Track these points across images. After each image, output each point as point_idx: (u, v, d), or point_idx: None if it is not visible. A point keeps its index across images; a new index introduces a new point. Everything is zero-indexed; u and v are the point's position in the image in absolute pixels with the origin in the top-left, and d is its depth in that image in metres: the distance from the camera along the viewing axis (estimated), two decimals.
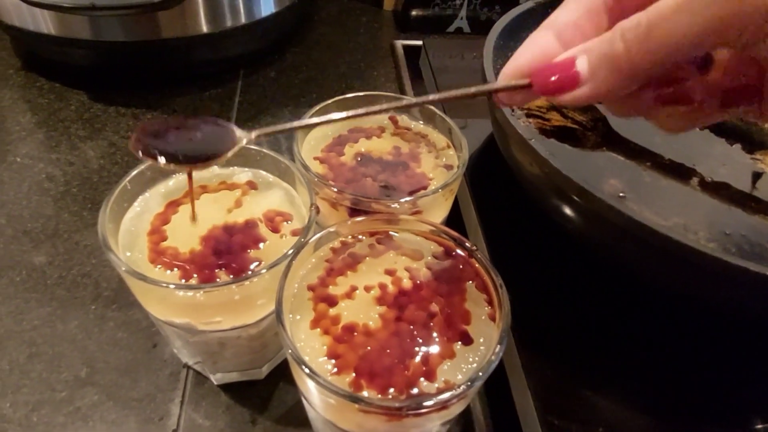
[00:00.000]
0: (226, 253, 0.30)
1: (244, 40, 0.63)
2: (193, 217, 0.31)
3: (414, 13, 0.75)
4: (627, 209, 0.30)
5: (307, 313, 0.27)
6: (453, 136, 0.39)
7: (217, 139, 0.27)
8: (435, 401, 0.23)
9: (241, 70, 0.66)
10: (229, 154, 0.27)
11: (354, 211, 0.34)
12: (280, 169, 0.35)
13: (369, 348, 0.26)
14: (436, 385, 0.25)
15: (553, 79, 0.22)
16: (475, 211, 0.43)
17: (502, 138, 0.42)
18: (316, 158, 0.38)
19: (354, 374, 0.25)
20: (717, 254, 0.28)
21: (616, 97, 0.24)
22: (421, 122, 0.41)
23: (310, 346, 0.26)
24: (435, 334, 0.26)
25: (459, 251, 0.30)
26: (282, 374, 0.37)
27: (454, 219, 0.43)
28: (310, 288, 0.28)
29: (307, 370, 0.23)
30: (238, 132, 0.28)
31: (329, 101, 0.40)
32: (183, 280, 0.29)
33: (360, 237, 0.31)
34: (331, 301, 0.27)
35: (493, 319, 0.27)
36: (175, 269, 0.29)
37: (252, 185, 0.35)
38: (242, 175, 0.35)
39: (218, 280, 0.29)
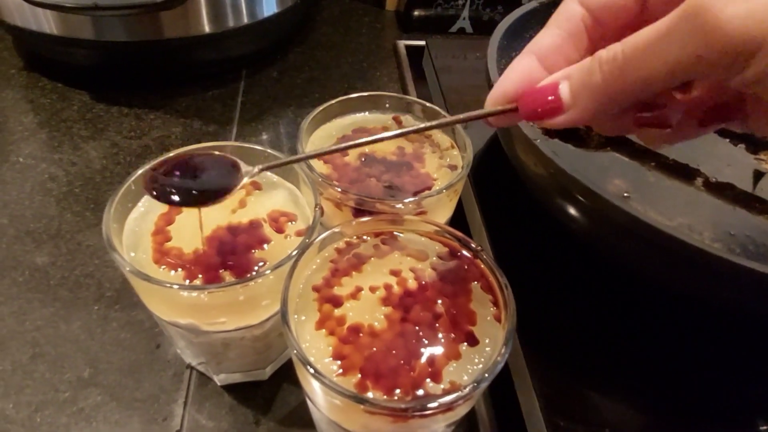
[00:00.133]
0: (231, 254, 0.30)
1: (247, 40, 0.63)
2: (201, 228, 0.31)
3: (416, 13, 0.75)
4: (632, 209, 0.30)
5: (312, 314, 0.27)
6: (457, 136, 0.39)
7: (224, 175, 0.28)
8: (441, 402, 0.23)
9: (243, 70, 0.66)
10: (236, 190, 0.28)
11: (358, 212, 0.34)
12: (284, 169, 0.35)
13: (374, 349, 0.25)
14: (442, 386, 0.24)
15: (538, 107, 0.23)
16: (479, 212, 0.43)
17: (506, 138, 0.42)
18: (320, 158, 0.37)
19: (359, 375, 0.24)
20: (722, 254, 0.28)
21: (600, 120, 0.26)
22: (425, 123, 0.41)
23: (315, 347, 0.25)
24: (440, 335, 0.26)
25: (464, 252, 0.30)
26: (286, 375, 0.37)
27: (458, 219, 0.43)
28: (315, 289, 0.28)
29: (312, 371, 0.23)
30: (244, 167, 0.29)
31: (333, 101, 0.40)
32: (187, 281, 0.29)
33: (365, 237, 0.31)
34: (337, 302, 0.27)
35: (498, 319, 0.27)
36: (180, 270, 0.29)
37: (256, 185, 0.35)
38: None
39: (223, 280, 0.29)
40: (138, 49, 0.56)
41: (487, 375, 0.24)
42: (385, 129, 0.40)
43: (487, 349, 0.26)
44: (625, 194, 0.41)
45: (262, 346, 0.33)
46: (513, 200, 0.45)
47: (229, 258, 0.30)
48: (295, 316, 0.27)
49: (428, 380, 0.25)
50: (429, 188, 0.36)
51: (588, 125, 0.32)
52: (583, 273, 0.40)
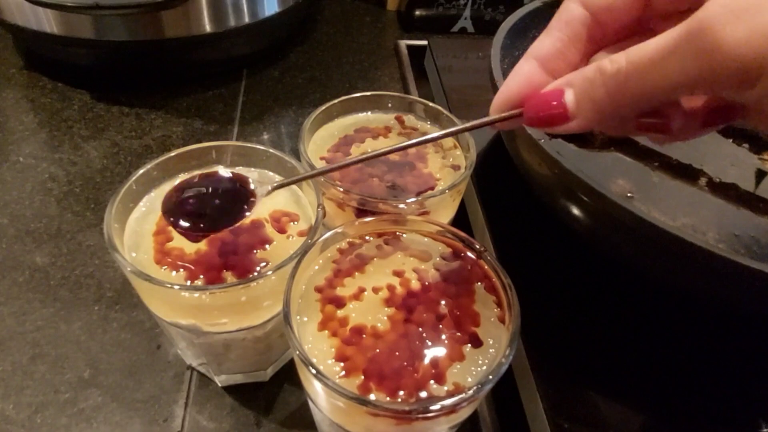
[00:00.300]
0: (233, 254, 0.30)
1: (248, 40, 0.63)
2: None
3: (418, 13, 0.75)
4: (637, 209, 0.30)
5: (315, 315, 0.27)
6: (460, 136, 0.38)
7: (236, 198, 0.29)
8: (444, 405, 0.22)
9: (244, 70, 0.65)
10: (250, 213, 0.28)
11: (361, 212, 0.33)
12: (286, 169, 0.34)
13: (377, 350, 0.25)
14: (446, 388, 0.24)
15: (543, 116, 0.23)
16: (481, 212, 0.43)
17: (509, 138, 0.42)
18: (322, 158, 0.37)
19: (362, 377, 0.24)
20: (729, 255, 0.28)
21: (603, 126, 0.25)
22: (428, 122, 0.41)
23: (318, 348, 0.25)
24: (444, 336, 0.26)
25: (467, 252, 0.30)
26: (287, 376, 0.37)
27: (461, 219, 0.43)
28: (318, 289, 0.28)
29: (315, 373, 0.23)
30: (256, 188, 0.29)
31: (335, 101, 0.39)
32: (189, 282, 0.29)
33: (367, 238, 0.31)
34: (339, 303, 0.27)
35: (502, 320, 0.27)
36: (181, 270, 0.29)
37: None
38: (248, 175, 0.35)
39: (224, 281, 0.29)
40: (139, 48, 0.56)
41: (491, 377, 0.23)
42: (388, 129, 0.40)
43: (491, 350, 0.26)
44: (629, 194, 0.41)
45: (264, 347, 0.33)
46: (516, 200, 0.45)
47: (231, 258, 0.30)
48: (298, 317, 0.26)
49: (432, 382, 0.24)
50: (432, 188, 0.35)
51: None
52: (586, 273, 0.40)
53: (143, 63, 0.60)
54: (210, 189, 0.29)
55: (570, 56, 0.24)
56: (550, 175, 0.35)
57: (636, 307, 0.38)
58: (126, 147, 0.53)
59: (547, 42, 0.24)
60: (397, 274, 0.29)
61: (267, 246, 0.31)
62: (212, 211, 0.28)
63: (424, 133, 0.40)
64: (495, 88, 0.40)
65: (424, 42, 0.68)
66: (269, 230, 0.32)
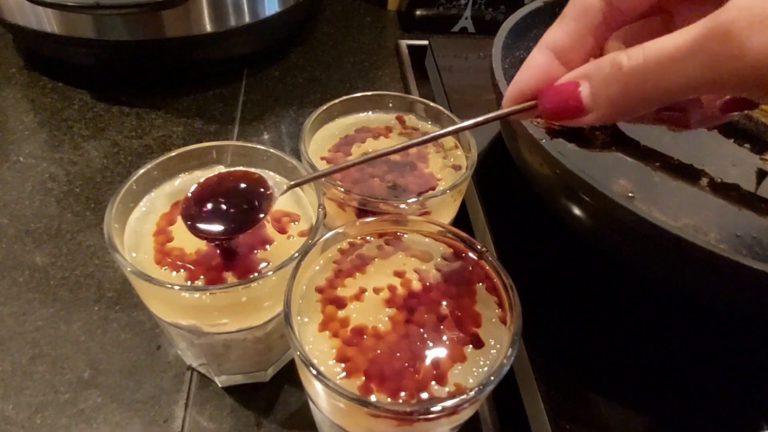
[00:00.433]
0: (233, 254, 0.30)
1: (249, 40, 0.63)
2: None
3: (418, 12, 0.75)
4: (638, 210, 0.30)
5: (316, 316, 0.27)
6: (461, 136, 0.38)
7: (254, 198, 0.29)
8: (446, 406, 0.22)
9: (245, 70, 0.65)
10: (268, 215, 0.29)
11: (361, 212, 0.33)
12: (287, 169, 0.34)
13: (378, 351, 0.25)
14: (447, 389, 0.24)
15: (559, 109, 0.22)
16: (482, 212, 0.43)
17: (511, 138, 0.42)
18: (323, 158, 0.37)
19: (363, 378, 0.24)
20: (729, 255, 0.28)
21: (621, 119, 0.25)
22: (429, 122, 0.41)
23: (318, 349, 0.25)
24: (445, 337, 0.26)
25: (468, 253, 0.30)
26: (287, 377, 0.37)
27: (461, 220, 0.43)
28: (318, 290, 0.28)
29: (316, 373, 0.23)
30: (271, 183, 0.29)
31: (335, 101, 0.39)
32: (189, 282, 0.28)
33: (368, 238, 0.30)
34: (340, 303, 0.27)
35: (503, 321, 0.27)
36: (182, 270, 0.29)
37: None
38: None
39: (225, 281, 0.29)
40: (139, 48, 0.56)
41: (492, 378, 0.23)
42: (388, 129, 0.40)
43: (493, 351, 0.26)
44: (630, 194, 0.41)
45: (264, 347, 0.33)
46: (517, 200, 0.45)
47: (232, 259, 0.29)
48: (298, 318, 0.26)
49: (433, 383, 0.24)
50: (433, 188, 0.35)
51: None
52: (588, 274, 0.40)
53: (144, 63, 0.60)
54: (227, 193, 0.29)
55: (586, 46, 0.23)
56: (552, 175, 0.35)
57: (638, 307, 0.38)
58: (126, 147, 0.53)
59: (562, 32, 0.23)
60: (398, 274, 0.29)
61: (267, 246, 0.31)
62: (232, 214, 0.28)
63: (425, 133, 0.40)
64: (496, 88, 0.40)
65: (425, 42, 0.67)
66: (270, 230, 0.32)
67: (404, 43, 0.72)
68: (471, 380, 0.24)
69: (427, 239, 0.31)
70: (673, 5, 0.23)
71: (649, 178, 0.42)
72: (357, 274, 0.29)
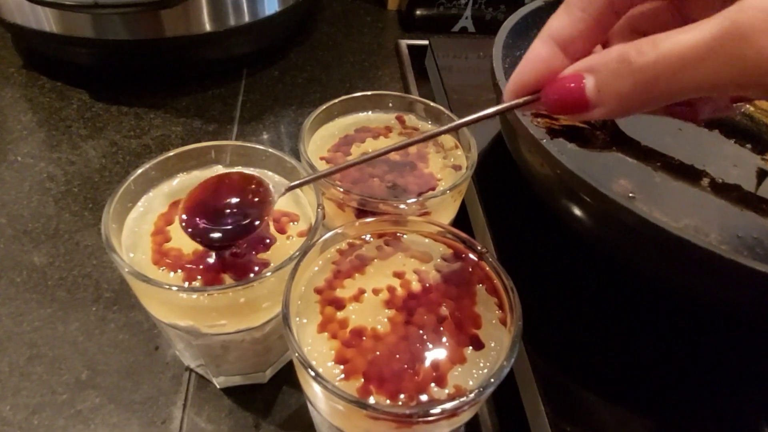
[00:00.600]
0: (231, 255, 0.29)
1: (248, 39, 0.62)
2: None
3: (418, 12, 0.75)
4: (640, 210, 0.29)
5: (314, 317, 0.26)
6: (461, 136, 0.38)
7: (254, 201, 0.29)
8: (446, 408, 0.22)
9: (244, 69, 0.65)
10: (269, 218, 0.29)
11: (361, 212, 0.33)
12: (286, 169, 0.34)
13: (378, 353, 0.25)
14: (447, 390, 0.24)
15: (563, 103, 0.22)
16: (482, 212, 0.43)
17: (511, 138, 0.41)
18: (322, 158, 0.37)
19: (363, 379, 0.24)
20: (731, 256, 0.28)
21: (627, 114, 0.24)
22: (429, 122, 0.41)
23: (317, 351, 0.25)
24: (445, 339, 0.26)
25: (468, 253, 0.30)
26: (285, 378, 0.36)
27: (461, 220, 0.42)
28: (317, 291, 0.27)
29: (314, 375, 0.22)
30: (270, 185, 0.29)
31: (335, 100, 0.39)
32: (187, 283, 0.28)
33: (367, 238, 0.30)
34: (339, 305, 0.27)
35: (504, 323, 0.27)
36: (179, 271, 0.29)
37: None
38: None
39: (223, 282, 0.28)
40: (138, 47, 0.56)
41: (492, 380, 0.23)
42: (388, 129, 0.40)
43: (493, 353, 0.26)
44: (630, 194, 0.41)
45: (262, 348, 0.33)
46: (517, 201, 0.45)
47: (230, 259, 0.29)
48: (297, 319, 0.26)
49: (433, 385, 0.24)
50: (433, 189, 0.35)
51: None
52: (589, 275, 0.40)
53: (142, 62, 0.59)
54: (226, 198, 0.29)
55: (592, 36, 0.22)
56: (552, 175, 0.35)
57: (638, 309, 0.38)
58: (125, 146, 0.53)
59: (568, 22, 0.22)
60: (398, 275, 0.29)
61: (266, 246, 0.30)
62: (232, 220, 0.28)
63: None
64: (497, 88, 0.40)
65: (425, 42, 0.67)
66: (269, 231, 0.31)
67: (404, 42, 0.72)
68: (471, 382, 0.24)
69: (426, 240, 0.31)
70: None
71: (650, 178, 0.42)
72: (356, 274, 0.28)
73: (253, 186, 0.29)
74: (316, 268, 0.29)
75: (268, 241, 0.31)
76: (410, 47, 0.71)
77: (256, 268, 0.29)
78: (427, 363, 0.25)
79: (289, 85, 0.64)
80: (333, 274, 0.28)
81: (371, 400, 0.23)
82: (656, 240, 0.29)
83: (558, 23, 0.22)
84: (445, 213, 0.36)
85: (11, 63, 0.63)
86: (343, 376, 0.24)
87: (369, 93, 0.40)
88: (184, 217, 0.28)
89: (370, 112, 0.41)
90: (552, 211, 0.39)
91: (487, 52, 0.43)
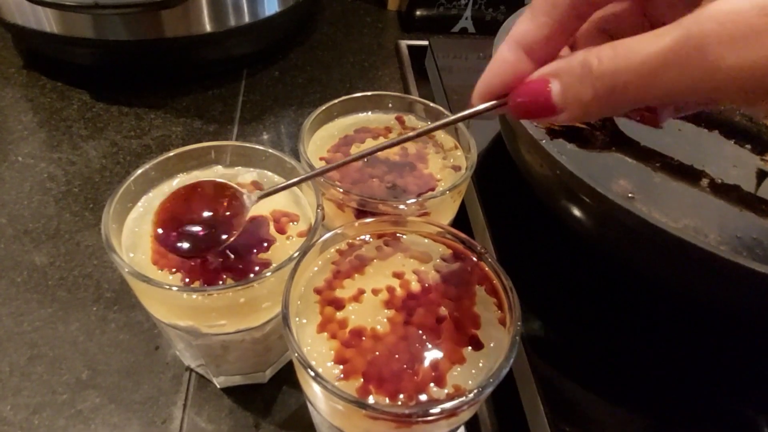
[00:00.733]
0: (231, 255, 0.30)
1: (248, 40, 0.63)
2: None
3: (418, 13, 0.75)
4: (639, 211, 0.29)
5: (314, 317, 0.26)
6: (461, 136, 0.38)
7: (227, 211, 0.29)
8: (445, 408, 0.22)
9: (244, 70, 0.65)
10: (241, 227, 0.28)
11: (360, 213, 0.33)
12: (286, 170, 0.34)
13: (377, 353, 0.25)
14: (446, 390, 0.24)
15: (530, 108, 0.22)
16: (482, 213, 0.43)
17: (510, 139, 0.41)
18: (321, 159, 0.37)
19: (362, 379, 0.24)
20: (730, 257, 0.28)
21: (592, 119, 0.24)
22: (429, 123, 0.41)
23: (317, 351, 0.25)
24: (444, 339, 0.26)
25: (468, 254, 0.30)
26: (285, 378, 0.37)
27: (461, 220, 0.43)
28: (317, 291, 0.28)
29: (314, 375, 0.23)
30: (243, 197, 0.29)
31: (335, 101, 0.39)
32: (187, 283, 0.28)
33: (367, 239, 0.30)
34: (339, 305, 0.27)
35: (503, 323, 0.27)
36: (180, 271, 0.29)
37: (257, 186, 0.34)
38: (247, 175, 0.35)
39: (223, 282, 0.28)
40: (139, 48, 0.56)
41: (492, 380, 0.23)
42: (388, 129, 0.40)
43: (492, 353, 0.26)
44: (630, 195, 0.41)
45: (262, 348, 0.33)
46: (517, 201, 0.45)
47: (230, 259, 0.29)
48: (297, 319, 0.26)
49: (432, 385, 0.24)
50: (432, 189, 0.35)
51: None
52: (588, 275, 0.40)
53: (143, 62, 0.59)
54: (198, 208, 0.29)
55: (557, 40, 0.22)
56: (551, 175, 0.35)
57: (638, 309, 0.38)
58: (125, 147, 0.53)
59: (533, 27, 0.22)
60: (397, 275, 0.29)
61: (266, 247, 0.30)
62: (205, 231, 0.28)
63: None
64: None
65: (425, 42, 0.67)
66: (269, 231, 0.31)
67: (404, 43, 0.72)
68: (470, 382, 0.24)
69: (426, 240, 0.31)
70: None
71: (649, 178, 0.42)
72: (356, 275, 0.28)
73: (227, 195, 0.29)
74: (316, 269, 0.29)
75: (268, 241, 0.31)
76: (410, 48, 0.71)
77: (256, 269, 0.29)
78: (427, 363, 0.25)
79: (289, 86, 0.64)
80: (333, 275, 0.28)
81: (371, 400, 0.23)
82: (655, 240, 0.29)
83: (523, 28, 0.22)
84: (445, 213, 0.36)
85: (12, 63, 0.63)
86: (342, 375, 0.24)
87: (369, 93, 0.41)
88: (159, 231, 0.28)
89: (369, 113, 0.41)
90: (551, 211, 0.39)
91: (487, 53, 0.43)
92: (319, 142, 0.38)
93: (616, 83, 0.19)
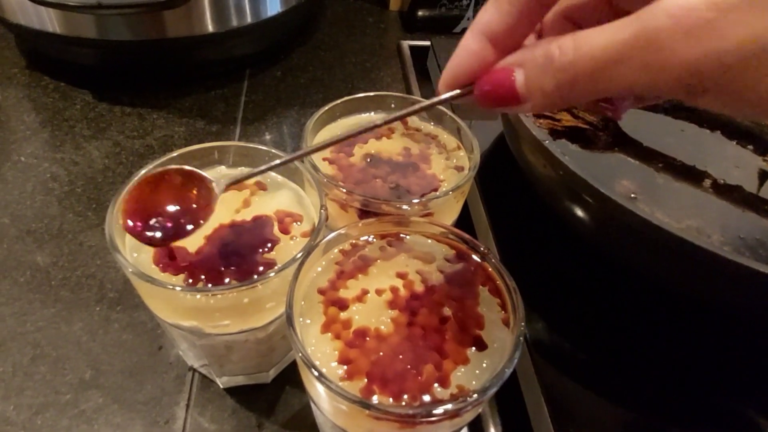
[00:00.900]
0: (235, 255, 0.30)
1: (250, 40, 0.63)
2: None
3: (420, 13, 0.75)
4: (641, 211, 0.29)
5: (318, 317, 0.26)
6: (463, 137, 0.38)
7: (196, 198, 0.28)
8: (448, 409, 0.22)
9: (247, 70, 0.65)
10: (211, 214, 0.27)
11: (364, 213, 0.33)
12: (289, 170, 0.34)
13: (381, 353, 0.25)
14: (450, 391, 0.24)
15: (495, 98, 0.22)
16: (485, 213, 0.43)
17: (513, 139, 0.41)
18: (325, 159, 0.37)
19: (366, 380, 0.24)
20: (733, 257, 0.28)
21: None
22: (431, 123, 0.41)
23: (321, 351, 0.25)
24: (448, 339, 0.26)
25: (471, 254, 0.30)
26: (289, 378, 0.37)
27: (464, 221, 0.43)
28: (321, 291, 0.28)
29: (318, 375, 0.23)
30: (213, 184, 0.28)
31: (338, 101, 0.39)
32: (191, 283, 0.28)
33: (370, 239, 0.30)
34: (342, 305, 0.27)
35: (506, 323, 0.27)
36: (183, 271, 0.29)
37: (261, 186, 0.34)
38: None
39: (227, 282, 0.28)
40: (141, 48, 0.56)
41: (495, 380, 0.23)
42: (391, 129, 0.40)
43: (496, 353, 0.26)
44: (633, 195, 0.41)
45: (266, 348, 0.33)
46: (519, 202, 0.45)
47: (234, 259, 0.29)
48: (300, 319, 0.26)
49: (436, 385, 0.24)
50: (435, 189, 0.35)
51: None
52: (591, 276, 0.40)
53: (146, 63, 0.60)
54: (167, 195, 0.27)
55: (522, 30, 0.22)
56: (554, 176, 0.35)
57: (641, 310, 0.38)
58: (128, 147, 0.53)
59: (497, 16, 0.22)
60: (401, 276, 0.29)
61: (270, 247, 0.30)
62: (176, 217, 0.27)
63: (428, 134, 0.40)
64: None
65: (427, 42, 0.67)
66: (273, 231, 0.31)
67: (406, 43, 0.72)
68: (474, 383, 0.24)
69: (429, 241, 0.31)
70: None
71: (651, 179, 0.42)
72: (359, 275, 0.28)
73: (194, 182, 0.28)
74: (320, 269, 0.29)
75: (271, 242, 0.31)
76: (412, 48, 0.71)
77: (260, 269, 0.29)
78: (430, 363, 0.25)
79: (291, 86, 0.64)
80: (336, 275, 0.28)
81: (374, 400, 0.23)
82: (658, 241, 0.29)
83: (487, 17, 0.22)
84: (448, 214, 0.36)
85: (15, 63, 0.63)
86: (346, 376, 0.24)
87: (371, 94, 0.41)
88: (129, 223, 0.27)
89: (372, 113, 0.41)
90: (554, 212, 0.39)
91: None
92: None
93: (576, 75, 0.19)
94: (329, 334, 0.26)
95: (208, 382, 0.36)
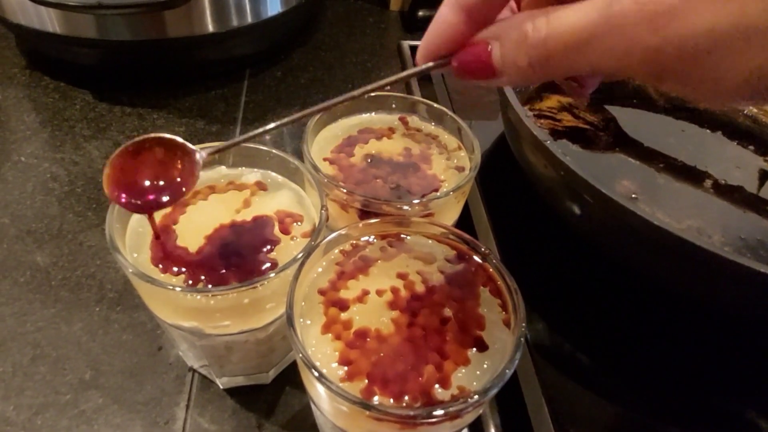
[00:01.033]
0: (235, 255, 0.30)
1: (251, 40, 0.63)
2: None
3: (421, 13, 0.75)
4: (641, 211, 0.29)
5: (318, 318, 0.26)
6: (464, 137, 0.38)
7: (179, 165, 0.28)
8: (449, 410, 0.22)
9: (247, 70, 0.65)
10: (196, 182, 0.27)
11: (364, 213, 0.33)
12: (290, 170, 0.34)
13: (381, 354, 0.25)
14: (451, 392, 0.24)
15: (472, 70, 0.22)
16: (486, 214, 0.43)
17: (514, 139, 0.41)
18: (325, 159, 0.37)
19: (366, 380, 0.24)
20: (733, 258, 0.28)
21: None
22: (432, 123, 0.41)
23: (321, 352, 0.25)
24: (448, 340, 0.26)
25: (472, 255, 0.30)
26: (289, 379, 0.36)
27: (465, 221, 0.43)
28: (321, 292, 0.27)
29: (318, 376, 0.22)
30: (192, 149, 0.28)
31: None
32: (191, 283, 0.28)
33: (371, 240, 0.30)
34: (343, 306, 0.27)
35: (507, 324, 0.27)
36: (183, 271, 0.29)
37: (261, 186, 0.34)
38: (251, 175, 0.35)
39: (227, 283, 0.28)
40: (141, 48, 0.56)
41: (496, 381, 0.23)
42: (391, 130, 0.40)
43: (497, 354, 0.26)
44: (633, 195, 0.41)
45: (266, 349, 0.33)
46: (520, 202, 0.45)
47: (234, 260, 0.29)
48: (301, 320, 0.26)
49: (436, 386, 0.24)
50: (436, 190, 0.35)
51: None
52: (592, 276, 0.40)
53: (146, 63, 0.59)
54: (152, 161, 0.27)
55: (498, 2, 0.22)
56: (555, 176, 0.35)
57: (642, 311, 0.38)
58: None
59: None
60: (401, 276, 0.29)
61: (271, 247, 0.30)
62: (160, 182, 0.27)
63: (428, 134, 0.40)
64: (499, 89, 0.40)
65: None
66: (273, 231, 0.31)
67: (406, 43, 0.72)
68: (475, 383, 0.24)
69: (430, 241, 0.31)
70: None
71: (652, 179, 0.42)
72: (360, 276, 0.28)
73: (177, 150, 0.28)
74: (320, 269, 0.29)
75: (272, 242, 0.31)
76: (412, 48, 0.71)
77: (261, 269, 0.29)
78: (431, 364, 0.25)
79: (291, 86, 0.64)
80: (337, 275, 0.28)
81: (375, 401, 0.23)
82: (659, 241, 0.29)
83: None
84: (449, 214, 0.36)
85: (15, 63, 0.63)
86: (346, 377, 0.24)
87: (372, 93, 0.40)
88: (117, 194, 0.27)
89: (373, 113, 0.41)
90: (555, 212, 0.39)
91: None
92: (323, 142, 0.38)
93: (548, 53, 0.19)
94: (330, 334, 0.26)
95: (208, 383, 0.36)
